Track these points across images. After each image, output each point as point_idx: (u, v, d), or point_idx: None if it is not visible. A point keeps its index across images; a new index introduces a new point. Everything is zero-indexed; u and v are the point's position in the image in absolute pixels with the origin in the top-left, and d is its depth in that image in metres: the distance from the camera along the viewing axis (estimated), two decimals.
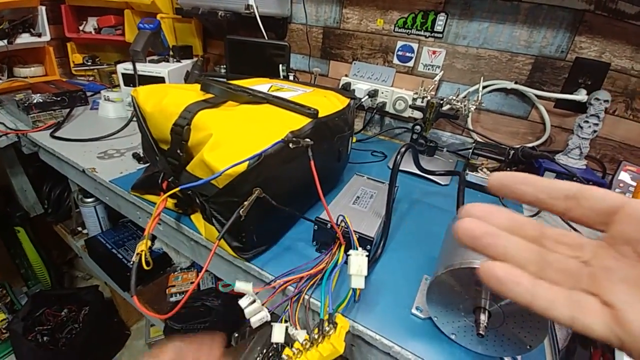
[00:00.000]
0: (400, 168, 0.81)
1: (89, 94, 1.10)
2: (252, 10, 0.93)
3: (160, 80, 0.91)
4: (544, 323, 0.32)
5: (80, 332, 1.07)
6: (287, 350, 0.35)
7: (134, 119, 0.82)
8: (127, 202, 0.66)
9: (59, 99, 0.94)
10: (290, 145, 0.42)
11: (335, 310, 0.35)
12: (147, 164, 0.73)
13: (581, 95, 0.73)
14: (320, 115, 0.54)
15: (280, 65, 0.92)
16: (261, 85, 0.69)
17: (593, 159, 0.78)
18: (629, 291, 0.15)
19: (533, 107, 0.82)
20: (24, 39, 1.10)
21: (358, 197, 0.58)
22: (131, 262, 0.44)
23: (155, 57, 0.97)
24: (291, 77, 0.93)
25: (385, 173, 0.79)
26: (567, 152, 0.76)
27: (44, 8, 1.10)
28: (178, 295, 0.93)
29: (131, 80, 0.90)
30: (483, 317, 0.33)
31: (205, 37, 1.29)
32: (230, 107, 0.53)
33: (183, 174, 0.48)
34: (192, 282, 0.95)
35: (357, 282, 0.35)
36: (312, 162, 0.44)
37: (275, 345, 0.80)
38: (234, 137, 0.44)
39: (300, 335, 0.36)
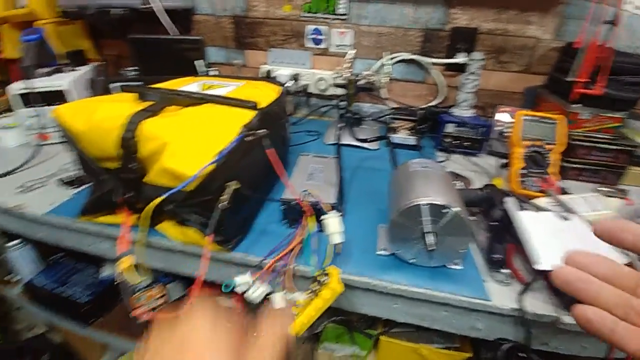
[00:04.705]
0: (335, 142, 0.91)
1: None
2: (150, 5, 0.87)
3: (61, 94, 0.81)
4: (467, 232, 0.45)
5: None
6: (293, 309, 0.41)
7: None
8: (72, 232, 0.61)
9: None
10: (248, 138, 0.46)
11: (323, 264, 0.42)
12: (80, 188, 0.67)
13: (461, 58, 0.92)
14: (260, 106, 0.58)
15: (197, 62, 0.90)
16: (190, 85, 0.69)
17: (478, 107, 0.98)
18: None
19: (428, 73, 0.99)
20: None
21: (310, 173, 0.65)
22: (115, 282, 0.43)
23: (45, 70, 0.85)
24: (214, 72, 0.92)
25: (323, 149, 0.88)
26: (459, 105, 0.94)
27: None
28: (149, 313, 0.89)
29: (28, 100, 0.78)
30: (429, 238, 0.44)
31: (96, 37, 1.15)
32: (172, 112, 0.53)
33: (143, 186, 0.48)
34: (159, 297, 0.91)
35: (337, 238, 0.42)
36: (269, 150, 0.49)
37: None
38: (189, 141, 0.46)
39: (298, 295, 0.43)
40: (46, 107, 0.80)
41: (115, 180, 0.51)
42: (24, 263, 0.93)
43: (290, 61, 1.04)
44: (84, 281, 0.94)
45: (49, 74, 0.84)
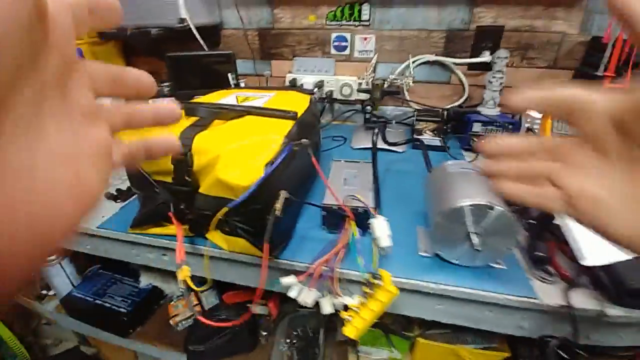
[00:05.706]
0: (363, 146, 0.93)
1: None
2: (186, 24, 0.92)
3: None
4: (512, 231, 0.46)
5: None
6: (343, 314, 0.43)
7: None
8: (120, 243, 0.65)
9: None
10: (296, 148, 0.48)
11: (373, 267, 0.44)
12: (125, 202, 0.71)
13: (486, 57, 0.92)
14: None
15: (230, 74, 0.94)
16: (226, 98, 0.72)
17: (504, 105, 0.98)
18: (573, 173, 0.22)
19: (452, 73, 0.99)
20: None
21: (345, 178, 0.67)
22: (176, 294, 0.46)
23: None
24: (242, 84, 0.96)
25: (351, 153, 0.90)
26: (485, 104, 0.94)
27: None
28: (185, 322, 0.93)
29: None
30: (474, 238, 0.45)
31: (128, 56, 1.21)
32: (218, 125, 0.56)
33: (198, 197, 0.51)
34: (195, 305, 0.95)
35: (386, 241, 0.44)
36: (313, 158, 0.51)
37: (295, 333, 0.89)
38: (238, 153, 0.49)
39: (347, 299, 0.44)
40: None
41: (168, 193, 0.54)
42: (61, 277, 0.94)
43: (315, 69, 1.06)
44: (122, 291, 0.96)
45: None
